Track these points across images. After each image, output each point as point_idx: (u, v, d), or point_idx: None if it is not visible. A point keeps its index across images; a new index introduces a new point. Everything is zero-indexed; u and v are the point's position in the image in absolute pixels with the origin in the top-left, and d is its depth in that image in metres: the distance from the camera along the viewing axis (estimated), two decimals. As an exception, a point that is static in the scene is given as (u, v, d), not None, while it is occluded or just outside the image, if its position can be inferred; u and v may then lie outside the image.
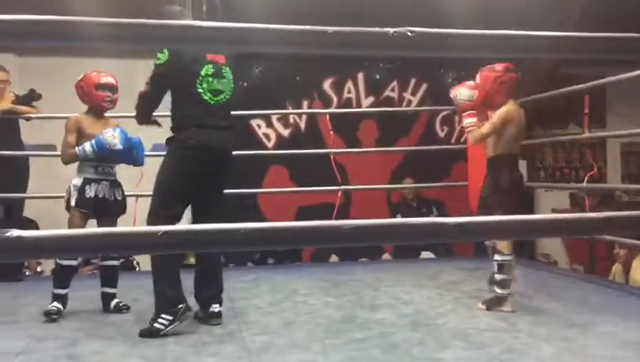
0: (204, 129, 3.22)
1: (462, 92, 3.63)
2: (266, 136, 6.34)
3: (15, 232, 1.01)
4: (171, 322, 3.08)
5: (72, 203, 3.56)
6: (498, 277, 3.54)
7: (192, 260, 5.61)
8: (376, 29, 1.06)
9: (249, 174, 5.86)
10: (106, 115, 3.79)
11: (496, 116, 3.60)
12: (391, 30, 1.06)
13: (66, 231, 1.06)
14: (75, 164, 3.66)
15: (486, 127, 3.60)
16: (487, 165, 3.74)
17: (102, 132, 3.57)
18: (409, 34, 1.06)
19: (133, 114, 3.44)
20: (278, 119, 6.36)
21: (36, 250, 1.06)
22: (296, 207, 6.08)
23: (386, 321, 3.32)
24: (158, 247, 1.13)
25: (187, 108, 3.24)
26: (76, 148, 3.56)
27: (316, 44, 1.05)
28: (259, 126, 6.32)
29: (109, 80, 3.69)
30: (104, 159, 3.59)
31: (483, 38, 1.23)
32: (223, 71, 3.27)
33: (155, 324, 3.09)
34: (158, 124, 3.55)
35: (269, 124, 6.33)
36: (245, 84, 6.12)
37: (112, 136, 3.53)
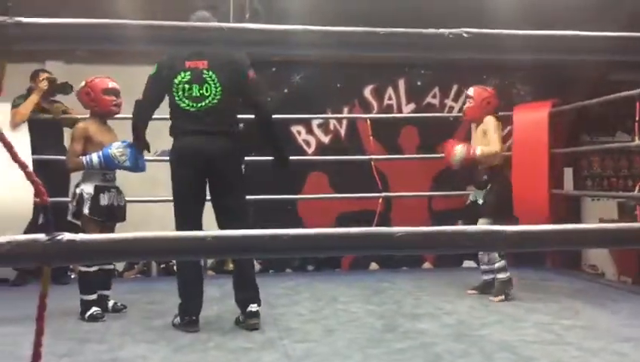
0: (188, 136, 3.29)
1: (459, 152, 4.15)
2: (306, 142, 6.33)
3: (66, 236, 1.01)
4: (179, 325, 3.32)
5: (86, 211, 3.57)
6: (501, 264, 4.00)
7: (231, 266, 5.64)
8: (432, 31, 1.03)
9: (288, 180, 5.86)
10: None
11: (494, 128, 4.06)
12: (447, 31, 1.03)
13: (115, 236, 1.05)
14: None
15: (496, 141, 4.02)
16: (490, 174, 4.13)
17: (110, 145, 3.58)
18: (465, 35, 1.03)
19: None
20: (319, 126, 6.34)
21: (86, 254, 1.06)
22: (336, 213, 6.04)
23: (429, 331, 3.26)
24: (206, 252, 1.12)
25: (173, 117, 3.36)
26: (83, 158, 3.59)
27: (370, 46, 1.03)
28: (299, 132, 6.31)
29: (115, 85, 3.76)
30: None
31: (539, 38, 1.19)
32: (205, 75, 3.27)
33: (174, 319, 3.39)
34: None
35: (309, 131, 6.32)
36: (286, 91, 6.13)
37: (120, 153, 3.56)
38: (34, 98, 4.67)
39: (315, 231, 1.10)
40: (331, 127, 6.36)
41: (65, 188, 4.86)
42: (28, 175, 1.02)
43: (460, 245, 1.05)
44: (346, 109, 6.29)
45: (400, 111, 6.37)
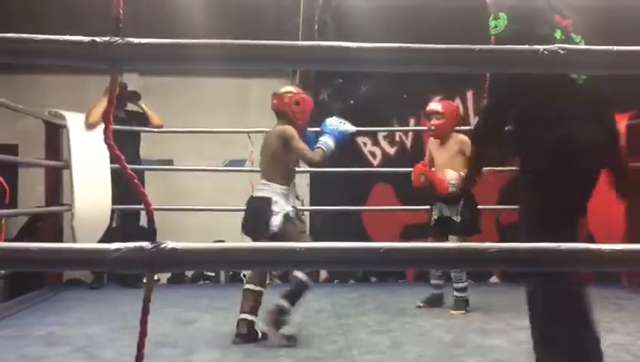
0: (584, 122, 2.23)
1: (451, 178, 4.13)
2: (372, 153, 6.35)
3: (169, 244, 1.06)
4: None
5: (276, 229, 3.29)
6: (464, 285, 4.13)
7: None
8: (526, 47, 1.03)
9: (354, 192, 5.91)
10: None
11: (467, 144, 4.08)
12: (541, 48, 1.02)
13: (215, 245, 1.10)
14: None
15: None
16: (465, 192, 4.07)
17: (327, 122, 3.44)
18: (560, 52, 1.02)
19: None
20: (384, 137, 6.34)
21: (188, 261, 1.11)
22: (402, 225, 6.01)
23: (499, 347, 3.20)
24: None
25: (548, 94, 2.19)
26: (319, 146, 3.37)
27: (463, 62, 1.03)
28: (364, 144, 6.34)
29: None
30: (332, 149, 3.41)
31: (633, 54, 1.16)
32: (577, 40, 2.27)
33: None
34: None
35: (375, 142, 6.33)
36: (352, 102, 6.18)
37: (341, 122, 3.44)
38: (103, 101, 4.94)
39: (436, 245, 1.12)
40: (397, 138, 6.35)
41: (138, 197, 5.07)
42: (135, 186, 1.09)
43: (557, 263, 1.04)
44: (412, 120, 6.28)
45: (467, 122, 6.29)
